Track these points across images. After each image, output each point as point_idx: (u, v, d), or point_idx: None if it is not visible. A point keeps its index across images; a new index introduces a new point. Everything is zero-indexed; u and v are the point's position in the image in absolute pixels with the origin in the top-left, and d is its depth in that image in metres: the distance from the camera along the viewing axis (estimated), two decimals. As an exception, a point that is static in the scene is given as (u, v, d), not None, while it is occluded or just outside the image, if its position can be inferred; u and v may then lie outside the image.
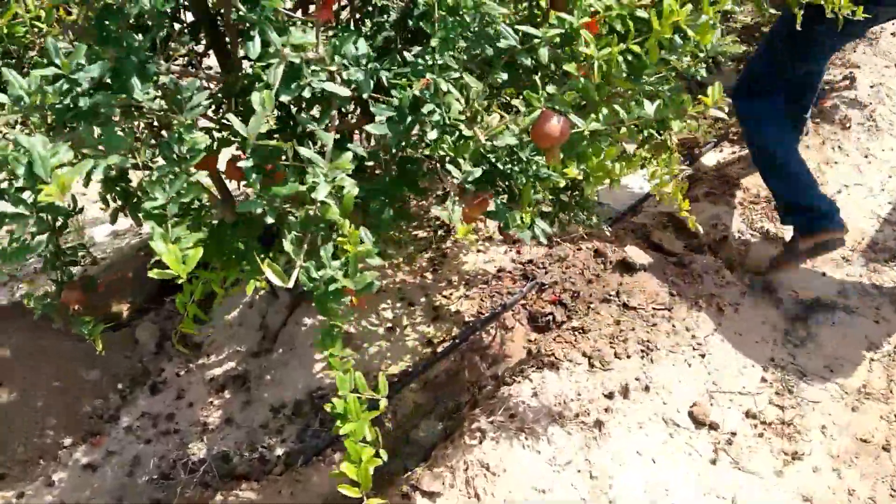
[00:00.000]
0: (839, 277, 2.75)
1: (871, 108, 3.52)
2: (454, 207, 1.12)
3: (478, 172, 1.14)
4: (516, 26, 1.18)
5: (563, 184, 1.32)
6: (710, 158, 3.34)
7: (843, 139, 3.34)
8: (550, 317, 2.53)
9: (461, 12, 1.13)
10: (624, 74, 1.24)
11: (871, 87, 3.65)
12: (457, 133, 1.13)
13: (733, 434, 2.19)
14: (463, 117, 1.12)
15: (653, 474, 2.08)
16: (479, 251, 2.82)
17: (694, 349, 2.41)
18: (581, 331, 2.38)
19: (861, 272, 2.77)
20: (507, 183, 1.29)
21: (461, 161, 1.12)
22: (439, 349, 2.43)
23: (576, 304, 2.53)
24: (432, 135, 1.11)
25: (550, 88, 1.15)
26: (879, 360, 2.44)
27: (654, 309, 2.47)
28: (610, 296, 2.50)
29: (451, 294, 2.63)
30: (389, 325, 2.51)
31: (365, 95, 1.13)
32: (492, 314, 2.53)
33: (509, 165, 1.24)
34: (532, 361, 2.33)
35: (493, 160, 1.23)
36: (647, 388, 2.26)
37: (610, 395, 2.23)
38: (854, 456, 2.16)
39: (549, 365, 2.30)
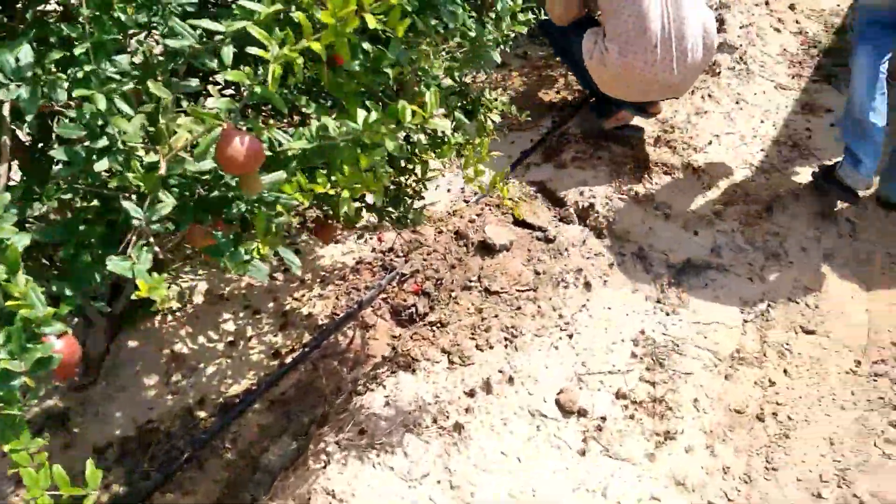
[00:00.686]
0: (712, 235, 2.64)
1: (742, 51, 3.41)
2: (141, 255, 0.86)
3: (166, 208, 0.88)
4: (192, 21, 0.92)
5: (307, 203, 1.08)
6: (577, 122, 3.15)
7: (714, 86, 3.22)
8: (413, 309, 2.33)
9: (113, 11, 0.86)
10: (357, 66, 1.00)
11: (741, 27, 3.54)
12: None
13: (603, 419, 2.06)
14: (140, 140, 0.86)
15: (518, 475, 1.92)
16: (336, 242, 2.57)
17: (561, 330, 2.25)
18: (440, 325, 2.19)
19: (734, 227, 2.67)
20: (231, 210, 1.04)
21: (153, 194, 0.87)
22: (288, 360, 2.19)
23: (439, 293, 2.33)
24: (101, 164, 0.85)
25: (215, 103, 0.89)
26: (753, 321, 2.36)
27: (518, 291, 2.30)
28: (471, 282, 2.31)
29: (303, 295, 2.38)
30: (231, 338, 2.25)
31: (29, 117, 0.86)
32: (349, 313, 2.31)
33: (218, 192, 0.99)
34: (387, 365, 2.13)
35: (210, 185, 0.98)
36: (511, 380, 2.10)
37: (471, 393, 2.05)
38: (728, 429, 2.06)
39: (405, 367, 2.10)
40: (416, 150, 1.53)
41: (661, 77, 2.62)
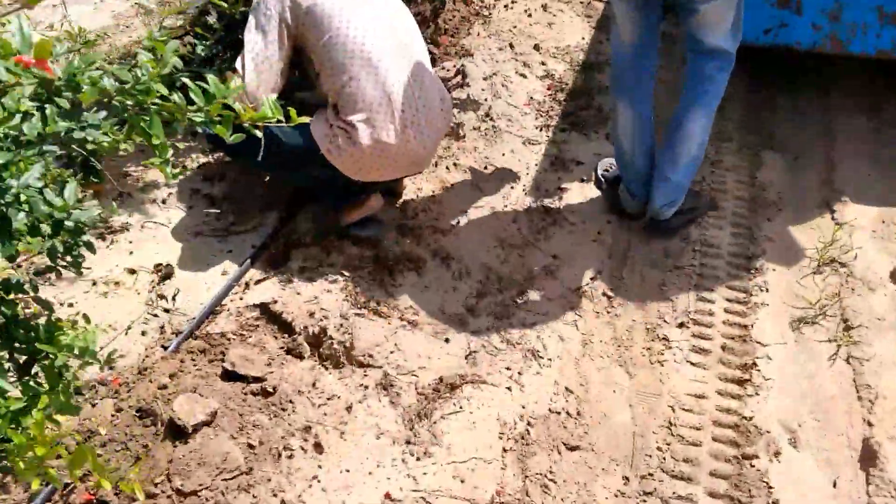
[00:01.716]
0: (465, 339, 2.33)
1: (487, 107, 3.16)
2: None
3: None
4: None
5: None
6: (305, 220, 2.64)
7: (460, 152, 2.94)
8: (86, 527, 1.76)
9: None
10: None
11: (485, 79, 3.30)
12: None
13: None
14: None
15: None
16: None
17: (285, 520, 1.80)
18: (107, 565, 1.65)
19: (489, 324, 2.38)
20: None
21: None
22: None
23: (120, 499, 1.78)
24: None
25: None
26: (512, 449, 2.06)
27: (224, 481, 1.81)
28: (157, 483, 1.78)
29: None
30: None
31: None
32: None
33: None
34: None
35: None
36: None
37: None
38: None
39: None
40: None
41: (413, 147, 2.35)
